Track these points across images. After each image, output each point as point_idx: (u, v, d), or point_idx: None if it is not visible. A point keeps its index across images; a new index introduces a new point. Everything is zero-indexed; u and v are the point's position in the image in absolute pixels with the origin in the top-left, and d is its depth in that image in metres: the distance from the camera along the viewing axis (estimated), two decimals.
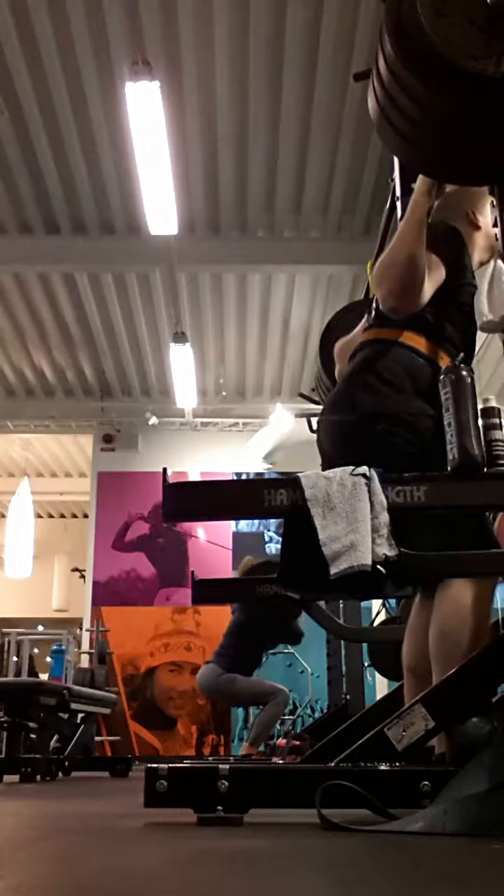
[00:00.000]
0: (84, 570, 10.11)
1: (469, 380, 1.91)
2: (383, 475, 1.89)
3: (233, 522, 9.12)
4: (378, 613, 5.79)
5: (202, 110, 5.81)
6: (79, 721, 5.50)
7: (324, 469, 2.05)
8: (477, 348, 2.41)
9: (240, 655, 5.37)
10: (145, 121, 5.15)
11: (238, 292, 7.80)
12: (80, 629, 9.40)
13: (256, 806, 1.76)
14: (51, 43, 5.25)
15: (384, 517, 1.84)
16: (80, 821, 2.07)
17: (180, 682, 8.87)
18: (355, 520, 1.82)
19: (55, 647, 7.47)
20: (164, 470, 1.98)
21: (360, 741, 1.87)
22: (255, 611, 5.37)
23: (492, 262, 2.47)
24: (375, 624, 5.38)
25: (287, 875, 1.13)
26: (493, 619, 2.12)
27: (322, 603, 3.49)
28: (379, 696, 5.01)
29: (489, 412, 1.96)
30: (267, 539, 9.40)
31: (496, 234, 2.10)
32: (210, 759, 7.48)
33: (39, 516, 13.38)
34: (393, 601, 4.99)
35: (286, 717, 6.31)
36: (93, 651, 8.30)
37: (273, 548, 9.23)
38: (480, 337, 2.55)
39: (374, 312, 2.30)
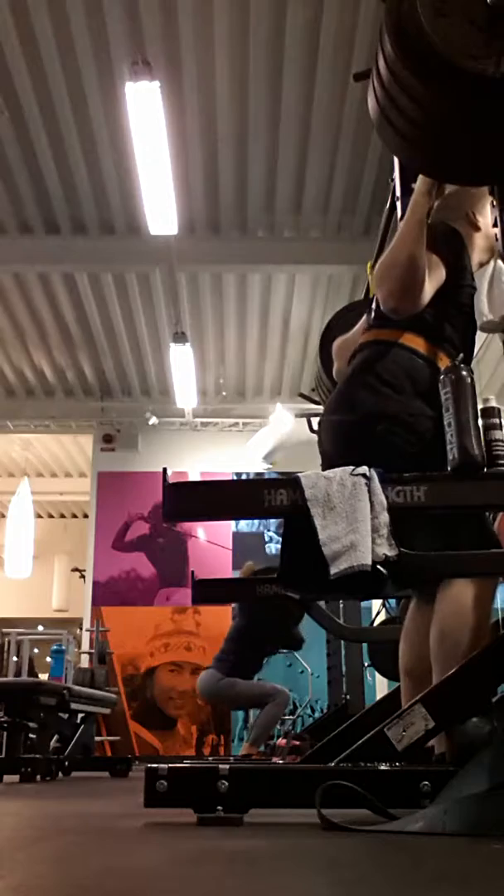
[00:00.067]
0: (84, 570, 10.11)
1: (469, 380, 1.91)
2: (383, 475, 1.89)
3: (233, 522, 9.12)
4: (378, 613, 5.79)
5: (202, 110, 5.81)
6: (79, 721, 5.50)
7: (324, 469, 2.05)
8: (476, 348, 2.41)
9: (240, 660, 5.37)
10: (145, 121, 5.15)
11: (238, 292, 7.80)
12: (80, 629, 9.40)
13: (256, 806, 1.76)
14: (51, 43, 5.25)
15: (384, 517, 1.84)
16: (80, 821, 2.07)
17: (180, 682, 8.87)
18: (355, 520, 1.82)
19: (55, 647, 7.47)
20: (164, 470, 1.98)
21: (360, 741, 1.87)
22: (256, 616, 5.37)
23: (492, 263, 2.47)
24: (375, 624, 5.38)
25: (287, 875, 1.13)
26: (493, 619, 2.12)
27: (322, 603, 3.49)
28: (379, 696, 5.01)
29: (489, 412, 1.96)
30: (267, 539, 9.40)
31: (496, 235, 2.11)
32: (210, 759, 7.48)
33: (39, 516, 13.38)
34: (393, 601, 4.99)
35: (286, 718, 6.31)
36: (93, 651, 8.30)
37: (273, 548, 9.24)
38: (480, 337, 2.56)
39: (374, 313, 2.30)
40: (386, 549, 1.81)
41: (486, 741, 1.74)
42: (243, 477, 9.20)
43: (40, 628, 9.96)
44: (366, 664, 4.75)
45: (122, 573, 9.32)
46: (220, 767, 1.72)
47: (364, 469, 1.89)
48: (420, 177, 2.15)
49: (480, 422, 1.91)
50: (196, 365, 8.38)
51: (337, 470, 1.92)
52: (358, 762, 1.84)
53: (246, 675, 5.41)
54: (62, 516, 14.50)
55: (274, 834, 1.66)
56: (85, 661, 8.49)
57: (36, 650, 9.25)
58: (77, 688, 5.35)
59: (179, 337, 7.75)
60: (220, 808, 1.70)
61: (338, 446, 2.15)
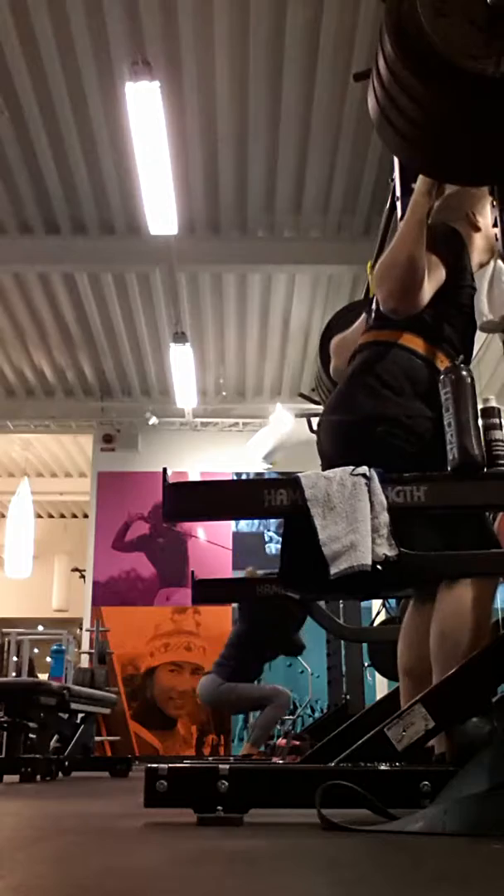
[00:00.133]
0: (84, 570, 10.11)
1: (469, 380, 1.91)
2: (383, 475, 1.89)
3: (233, 522, 9.12)
4: (378, 613, 5.79)
5: (202, 110, 5.81)
6: (79, 721, 5.50)
7: (324, 469, 2.05)
8: (476, 348, 2.41)
9: (240, 665, 5.38)
10: (145, 121, 5.15)
11: (238, 292, 7.80)
12: (80, 629, 9.40)
13: (256, 806, 1.76)
14: (51, 43, 5.25)
15: (384, 517, 1.84)
16: (80, 821, 2.07)
17: (180, 682, 8.87)
18: (355, 520, 1.82)
19: (55, 647, 7.47)
20: (164, 470, 1.98)
21: (360, 741, 1.87)
22: (257, 622, 5.37)
23: (492, 263, 2.48)
24: (375, 624, 5.38)
25: (287, 875, 1.13)
26: (493, 619, 2.12)
27: (322, 603, 3.49)
28: (379, 696, 5.01)
29: (489, 412, 1.96)
30: (267, 539, 9.40)
31: (496, 234, 2.11)
32: (210, 759, 7.48)
33: (39, 516, 13.38)
34: (393, 601, 4.99)
35: (286, 718, 6.32)
36: (93, 651, 8.29)
37: (273, 548, 9.24)
38: (480, 337, 2.56)
39: (374, 313, 2.30)
40: (386, 549, 1.81)
41: (486, 741, 1.74)
42: (243, 477, 9.20)
43: (40, 628, 9.96)
44: (366, 664, 4.75)
45: (122, 573, 9.32)
46: (220, 767, 1.72)
47: (364, 469, 1.89)
48: (420, 177, 2.15)
49: (480, 422, 1.91)
50: (196, 365, 8.38)
51: (337, 470, 1.92)
52: (358, 762, 1.84)
53: (246, 679, 5.42)
54: (62, 516, 14.50)
55: (274, 834, 1.66)
56: (85, 661, 8.49)
57: (36, 650, 9.25)
58: (77, 688, 5.35)
59: (179, 337, 7.75)
60: (220, 808, 1.70)
61: (337, 447, 2.16)
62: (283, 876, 1.12)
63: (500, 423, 1.95)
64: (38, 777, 4.10)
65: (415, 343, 2.17)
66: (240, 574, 8.52)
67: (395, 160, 2.43)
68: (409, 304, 2.08)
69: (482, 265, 2.41)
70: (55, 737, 5.32)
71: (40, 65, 5.42)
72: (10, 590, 12.74)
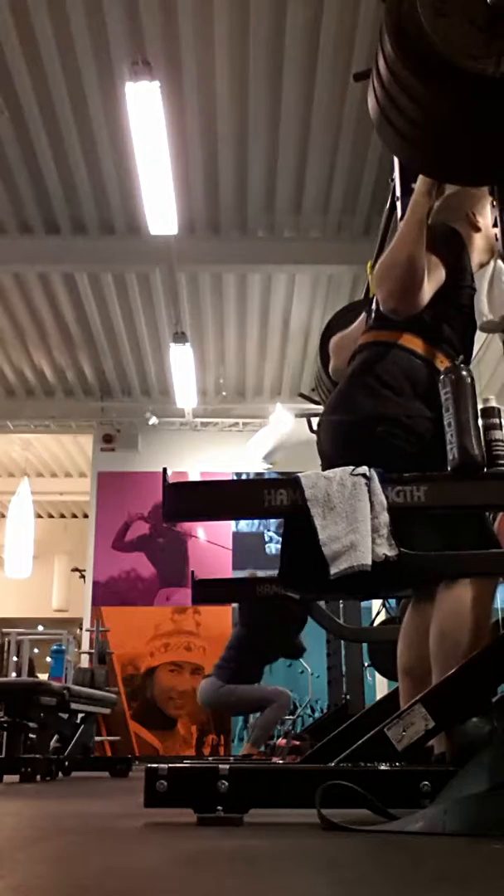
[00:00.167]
0: (84, 570, 10.11)
1: (469, 380, 1.91)
2: (383, 475, 1.89)
3: (233, 522, 9.12)
4: (378, 613, 5.79)
5: (202, 110, 5.81)
6: (79, 721, 5.50)
7: (323, 469, 2.05)
8: (476, 348, 2.41)
9: (240, 668, 5.38)
10: (145, 121, 5.15)
11: (238, 292, 7.80)
12: (80, 629, 9.40)
13: (256, 806, 1.76)
14: (51, 43, 5.25)
15: (384, 517, 1.84)
16: (80, 821, 2.07)
17: (180, 682, 8.87)
18: (355, 520, 1.82)
19: (55, 647, 7.47)
20: (164, 470, 1.98)
21: (360, 741, 1.87)
22: (257, 625, 5.38)
23: (492, 263, 2.48)
24: (375, 624, 5.38)
25: (287, 875, 1.13)
26: (493, 619, 2.12)
27: (322, 603, 3.49)
28: (379, 696, 5.01)
29: (489, 412, 1.96)
30: (267, 539, 9.40)
31: (496, 234, 2.11)
32: (210, 759, 7.48)
33: (39, 516, 13.38)
34: (393, 601, 4.99)
35: (286, 718, 6.32)
36: (93, 651, 8.30)
37: (273, 548, 9.23)
38: (480, 337, 2.56)
39: (373, 314, 2.30)
40: (386, 549, 1.81)
41: (486, 741, 1.74)
42: (243, 477, 9.20)
43: (40, 628, 9.97)
44: (366, 664, 4.75)
45: (122, 573, 9.32)
46: (220, 767, 1.72)
47: (364, 469, 1.90)
48: (420, 177, 2.15)
49: (480, 422, 1.91)
50: (196, 365, 8.38)
51: (337, 470, 1.92)
52: (358, 762, 1.84)
53: (247, 682, 5.42)
54: (62, 516, 14.50)
55: (274, 834, 1.66)
56: (85, 661, 8.49)
57: (36, 650, 9.25)
58: (77, 688, 5.35)
59: (179, 337, 7.75)
60: (220, 808, 1.70)
61: (337, 447, 2.16)
62: (283, 876, 1.12)
63: (500, 423, 1.95)
64: (38, 777, 4.10)
65: (414, 343, 2.17)
66: (240, 574, 8.54)
67: (395, 160, 2.43)
68: (408, 304, 2.08)
69: (482, 265, 2.41)
70: (55, 737, 5.32)
71: (40, 65, 5.42)
72: (10, 590, 12.74)
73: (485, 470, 1.87)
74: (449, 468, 1.87)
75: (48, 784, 4.04)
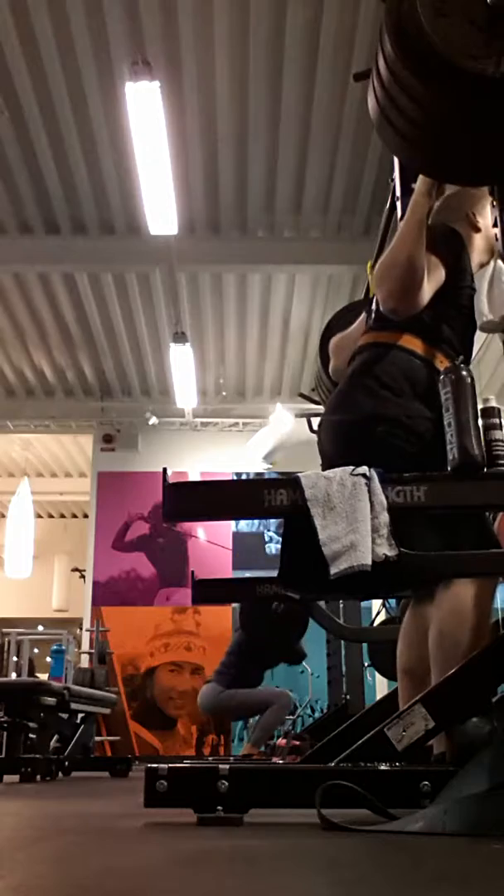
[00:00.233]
0: (84, 570, 10.11)
1: (469, 380, 1.91)
2: (383, 475, 1.89)
3: (233, 522, 9.12)
4: (378, 613, 5.79)
5: (202, 110, 5.81)
6: (79, 721, 5.50)
7: (324, 469, 2.05)
8: (476, 348, 2.41)
9: (240, 673, 5.39)
10: (145, 121, 5.15)
11: (238, 292, 7.80)
12: (80, 629, 9.40)
13: (256, 806, 1.76)
14: (51, 43, 5.25)
15: (384, 517, 1.84)
16: (80, 821, 2.07)
17: (180, 682, 8.87)
18: (355, 520, 1.82)
19: (55, 647, 7.47)
20: (164, 470, 1.98)
21: (360, 741, 1.87)
22: (258, 631, 5.37)
23: (492, 263, 2.48)
24: (375, 624, 5.38)
25: (287, 875, 1.13)
26: (493, 619, 2.12)
27: (322, 603, 3.49)
28: (379, 696, 5.01)
29: (489, 412, 1.96)
30: (267, 539, 9.40)
31: (496, 234, 2.11)
32: (210, 759, 7.48)
33: (39, 516, 13.38)
34: (393, 601, 4.99)
35: (286, 717, 6.32)
36: (93, 651, 8.30)
37: (273, 548, 9.23)
38: (480, 337, 2.56)
39: (373, 314, 2.30)
40: (386, 549, 1.81)
41: (486, 741, 1.74)
42: (243, 477, 9.20)
43: (40, 628, 9.97)
44: (366, 664, 4.75)
45: (122, 573, 9.32)
46: (220, 767, 1.72)
47: (364, 469, 1.90)
48: (420, 177, 2.15)
49: (480, 422, 1.91)
50: (196, 365, 8.38)
51: (337, 470, 1.92)
52: (358, 762, 1.84)
53: (247, 687, 5.42)
54: (62, 516, 14.50)
55: (274, 834, 1.66)
56: (85, 661, 8.49)
57: (36, 650, 9.25)
58: (77, 688, 5.35)
59: (179, 337, 7.75)
60: (220, 808, 1.70)
61: (337, 447, 2.16)
62: (283, 876, 1.12)
63: (500, 423, 1.95)
64: (38, 777, 4.10)
65: (414, 344, 2.17)
66: (240, 574, 8.54)
67: (395, 160, 2.43)
68: (408, 305, 2.09)
69: (482, 265, 2.41)
70: (55, 737, 5.32)
71: (40, 65, 5.42)
72: (10, 590, 12.74)
73: (485, 470, 1.87)
74: (449, 468, 1.87)
75: (48, 784, 4.04)
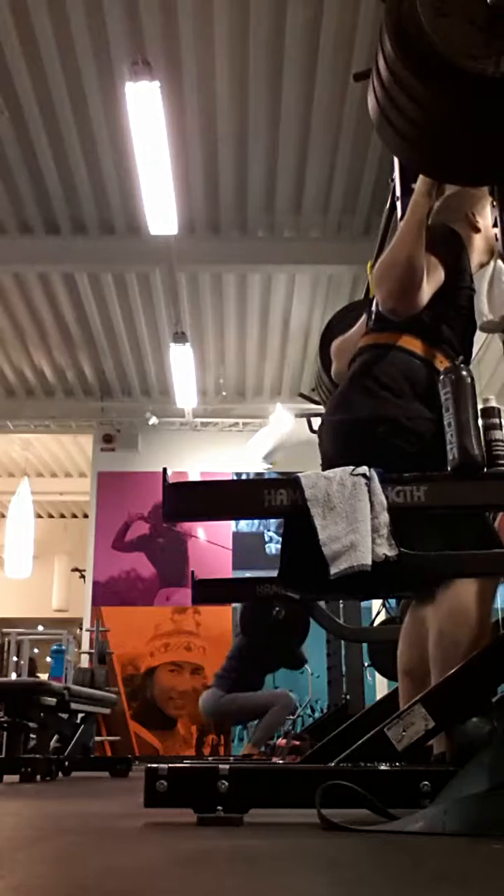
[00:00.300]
0: (84, 570, 10.11)
1: (469, 380, 1.91)
2: (383, 475, 1.89)
3: (233, 522, 9.12)
4: (378, 613, 5.79)
5: (202, 110, 5.81)
6: (79, 721, 5.50)
7: (324, 470, 2.05)
8: (476, 348, 2.41)
9: (240, 678, 5.40)
10: (145, 121, 5.15)
11: (238, 292, 7.80)
12: (80, 629, 9.40)
13: (256, 806, 1.76)
14: (51, 43, 5.25)
15: (384, 517, 1.84)
16: (80, 821, 2.07)
17: (180, 682, 8.87)
18: (355, 520, 1.82)
19: (55, 647, 7.47)
20: (164, 470, 1.98)
21: (360, 741, 1.87)
22: (259, 636, 5.37)
23: (492, 263, 2.48)
24: (375, 624, 5.38)
25: (287, 875, 1.13)
26: (493, 619, 2.12)
27: (322, 603, 3.48)
28: (379, 696, 5.01)
29: (489, 412, 1.96)
30: (267, 539, 9.40)
31: (496, 235, 2.11)
32: (210, 759, 7.48)
33: (39, 516, 13.38)
34: (393, 601, 4.99)
35: (286, 717, 6.32)
36: (93, 651, 8.30)
37: (273, 548, 9.23)
38: (480, 337, 2.56)
39: (373, 315, 2.30)
40: (386, 549, 1.81)
41: (486, 741, 1.74)
42: (243, 477, 9.20)
43: (40, 628, 9.97)
44: (366, 664, 4.75)
45: (122, 573, 9.32)
46: (220, 767, 1.72)
47: (364, 469, 1.90)
48: (420, 177, 2.15)
49: (480, 422, 1.91)
50: (196, 365, 8.38)
51: (337, 470, 1.92)
52: (358, 762, 1.84)
53: (248, 691, 5.42)
54: (62, 516, 14.50)
55: (274, 834, 1.66)
56: (85, 661, 8.49)
57: (36, 650, 9.25)
58: (77, 688, 5.35)
59: (179, 337, 7.75)
60: (220, 808, 1.70)
61: (338, 447, 2.16)
62: (283, 876, 1.12)
63: (500, 423, 1.95)
64: (38, 777, 4.10)
65: (413, 344, 2.17)
66: (240, 574, 8.54)
67: (395, 160, 2.43)
68: (407, 305, 2.09)
69: (482, 265, 2.41)
70: (55, 737, 5.32)
71: (40, 65, 5.42)
72: (10, 590, 12.74)
73: (485, 470, 1.87)
74: (449, 468, 1.87)
75: (48, 784, 4.04)
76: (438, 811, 1.54)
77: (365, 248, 5.93)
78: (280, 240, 7.17)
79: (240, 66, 5.47)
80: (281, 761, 4.49)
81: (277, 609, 5.09)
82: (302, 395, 5.55)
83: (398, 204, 2.41)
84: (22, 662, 7.87)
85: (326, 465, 2.14)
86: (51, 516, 14.42)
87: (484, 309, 2.56)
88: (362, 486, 1.86)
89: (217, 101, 5.72)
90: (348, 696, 4.38)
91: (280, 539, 2.16)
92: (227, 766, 1.73)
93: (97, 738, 7.25)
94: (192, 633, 9.02)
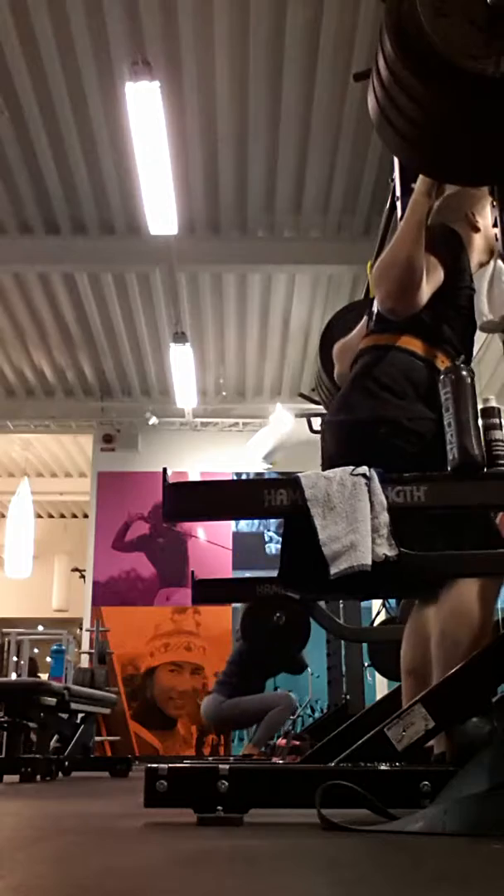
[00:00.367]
0: (84, 570, 10.11)
1: (469, 380, 1.91)
2: (383, 475, 1.89)
3: (233, 522, 9.13)
4: (378, 613, 5.79)
5: (202, 110, 5.81)
6: (79, 721, 5.50)
7: (325, 470, 2.05)
8: (476, 348, 2.41)
9: (241, 683, 5.40)
10: (145, 121, 5.16)
11: (238, 292, 7.80)
12: (80, 629, 9.40)
13: (256, 806, 1.76)
14: (51, 43, 5.26)
15: (384, 517, 1.84)
16: (80, 821, 2.07)
17: (180, 682, 8.87)
18: (355, 520, 1.82)
19: (55, 647, 7.47)
20: (164, 470, 1.98)
21: (360, 741, 1.87)
22: (259, 641, 5.37)
23: (491, 263, 2.48)
24: (375, 624, 5.38)
25: (287, 875, 1.13)
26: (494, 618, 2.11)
27: (322, 603, 3.48)
28: (379, 696, 5.01)
29: (489, 412, 1.96)
30: (267, 539, 9.40)
31: (496, 235, 2.11)
32: (210, 759, 7.48)
33: (39, 516, 13.38)
34: (393, 601, 4.99)
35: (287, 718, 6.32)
36: (93, 651, 8.30)
37: (273, 548, 9.23)
38: (480, 337, 2.56)
39: (374, 317, 2.30)
40: (386, 549, 1.81)
41: (486, 741, 1.74)
42: (243, 477, 9.20)
43: (40, 628, 9.96)
44: (366, 664, 4.75)
45: (122, 573, 9.32)
46: (220, 767, 1.72)
47: (364, 469, 1.89)
48: (420, 177, 2.15)
49: (480, 422, 1.91)
50: (196, 365, 8.39)
51: (337, 470, 1.92)
52: (358, 762, 1.84)
53: (249, 695, 5.43)
54: (62, 516, 14.50)
55: (274, 834, 1.66)
56: (85, 661, 8.50)
57: (36, 650, 9.25)
58: (77, 688, 5.35)
59: (179, 337, 7.75)
60: (220, 808, 1.70)
61: (340, 447, 2.16)
62: (283, 876, 1.12)
63: (500, 423, 1.95)
64: (38, 777, 4.10)
65: (413, 344, 2.17)
66: (240, 574, 8.54)
67: (395, 160, 2.43)
68: (407, 305, 2.08)
69: (481, 265, 2.41)
70: (55, 737, 5.32)
71: (40, 65, 5.42)
72: (10, 590, 12.75)
73: (485, 470, 1.87)
74: (449, 468, 1.87)
75: (48, 784, 4.04)
76: (438, 811, 1.54)
77: (365, 248, 5.92)
78: (280, 240, 7.17)
79: (240, 66, 5.47)
80: (281, 761, 4.49)
81: (278, 615, 5.09)
82: (302, 395, 5.55)
83: (398, 204, 2.41)
84: (22, 662, 7.87)
85: (328, 465, 2.14)
86: (51, 516, 14.43)
87: (484, 309, 2.56)
88: (362, 486, 1.86)
89: (217, 101, 5.72)
90: (348, 696, 4.38)
91: (280, 539, 2.16)
92: (227, 766, 1.73)
93: (97, 738, 7.25)
94: (192, 633, 9.02)
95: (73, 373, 9.13)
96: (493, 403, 1.99)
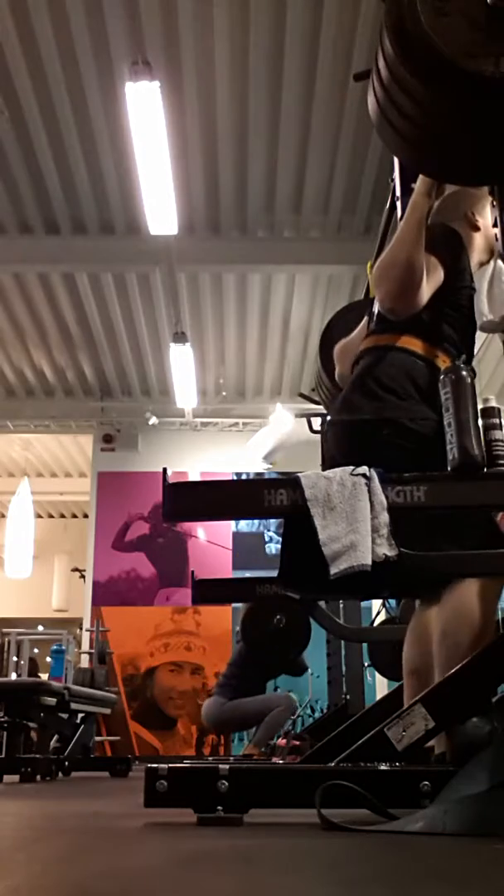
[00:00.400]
0: (84, 570, 10.11)
1: (469, 380, 1.91)
2: (383, 475, 1.89)
3: (233, 522, 9.13)
4: (378, 613, 5.79)
5: (202, 110, 5.81)
6: (79, 721, 5.49)
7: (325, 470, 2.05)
8: (476, 348, 2.41)
9: (241, 685, 5.40)
10: (145, 121, 5.16)
11: (238, 292, 7.80)
12: (80, 629, 9.40)
13: (256, 806, 1.76)
14: (51, 43, 5.26)
15: (384, 517, 1.84)
16: (80, 821, 2.07)
17: (180, 682, 8.87)
18: (355, 520, 1.82)
19: (55, 647, 7.47)
20: (164, 470, 1.98)
21: (360, 741, 1.87)
22: (260, 643, 5.37)
23: (492, 262, 2.48)
24: (375, 624, 5.38)
25: (287, 875, 1.13)
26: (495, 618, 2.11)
27: (322, 603, 3.48)
28: (379, 696, 5.01)
29: (489, 412, 1.96)
30: (267, 539, 9.40)
31: (496, 234, 2.11)
32: (210, 759, 7.48)
33: (39, 516, 13.38)
34: (393, 601, 4.99)
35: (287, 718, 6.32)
36: (93, 651, 8.30)
37: (273, 548, 9.24)
38: (480, 337, 2.56)
39: (374, 317, 2.30)
40: (386, 549, 1.81)
41: (486, 741, 1.74)
42: (243, 477, 9.20)
43: (40, 628, 9.96)
44: (366, 664, 4.75)
45: (122, 573, 9.32)
46: (220, 767, 1.72)
47: (364, 469, 1.89)
48: (420, 177, 2.15)
49: (480, 422, 1.91)
50: (196, 365, 8.39)
51: (337, 470, 1.92)
52: (358, 762, 1.83)
53: (249, 696, 5.43)
54: (62, 516, 14.50)
55: (274, 834, 1.66)
56: (85, 661, 8.49)
57: (36, 650, 9.25)
58: (77, 688, 5.35)
59: (179, 337, 7.75)
60: (220, 808, 1.70)
61: (342, 448, 2.16)
62: (283, 876, 1.12)
63: (500, 423, 1.95)
64: (38, 777, 4.10)
65: (414, 344, 2.17)
66: (240, 574, 8.54)
67: (395, 160, 2.43)
68: (407, 304, 2.08)
69: (482, 265, 2.41)
70: (55, 737, 5.32)
71: (40, 65, 5.43)
72: (10, 590, 12.75)
73: (485, 470, 1.87)
74: (449, 468, 1.87)
75: (48, 784, 4.04)
76: (438, 811, 1.54)
77: (365, 248, 5.92)
78: (280, 240, 7.17)
79: (240, 66, 5.48)
80: (281, 761, 4.49)
81: (278, 617, 5.10)
82: (302, 395, 5.55)
83: (398, 204, 2.41)
84: (22, 662, 7.87)
85: (330, 466, 2.14)
86: (51, 516, 14.43)
87: (484, 308, 2.56)
88: (362, 486, 1.86)
89: (217, 101, 5.72)
90: (348, 696, 4.38)
91: (280, 539, 2.16)
92: (227, 766, 1.73)
93: (97, 738, 7.25)
94: (192, 633, 9.02)
95: (73, 373, 9.13)
96: (493, 403, 1.99)
